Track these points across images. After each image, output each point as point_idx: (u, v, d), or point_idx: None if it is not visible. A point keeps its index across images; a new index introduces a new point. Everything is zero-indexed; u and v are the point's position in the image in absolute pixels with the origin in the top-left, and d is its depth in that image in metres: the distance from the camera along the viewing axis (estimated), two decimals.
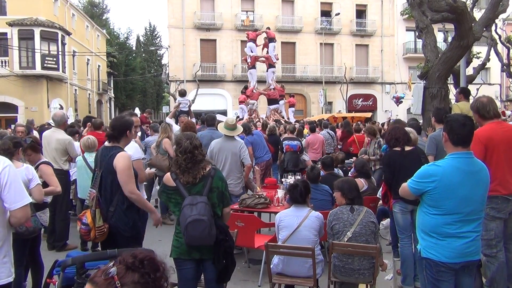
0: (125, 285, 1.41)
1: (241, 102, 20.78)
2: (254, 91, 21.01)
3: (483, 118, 4.36)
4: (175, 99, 27.49)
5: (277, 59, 22.38)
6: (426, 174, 3.19)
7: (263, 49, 21.94)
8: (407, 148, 5.05)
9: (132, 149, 4.98)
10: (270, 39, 21.67)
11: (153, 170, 7.02)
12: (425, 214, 3.24)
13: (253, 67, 21.53)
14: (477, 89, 26.82)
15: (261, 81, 23.66)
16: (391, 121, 13.65)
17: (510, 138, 4.20)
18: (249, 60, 21.32)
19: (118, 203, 4.05)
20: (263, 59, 21.87)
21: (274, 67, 22.08)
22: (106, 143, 4.33)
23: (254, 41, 21.37)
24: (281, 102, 21.45)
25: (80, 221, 4.04)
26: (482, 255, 4.08)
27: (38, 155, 4.94)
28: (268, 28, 23.13)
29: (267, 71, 22.09)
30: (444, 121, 3.38)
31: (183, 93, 14.59)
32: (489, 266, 4.30)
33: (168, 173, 3.71)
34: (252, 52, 21.29)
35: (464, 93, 7.76)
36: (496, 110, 4.35)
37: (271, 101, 21.47)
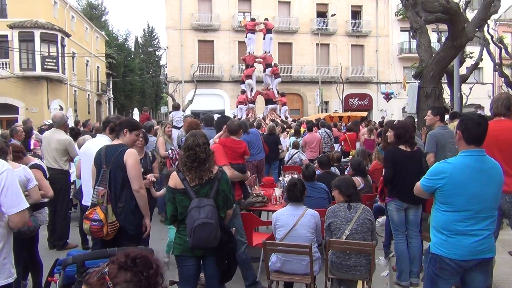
0: (117, 284, 1.41)
1: (240, 103, 21.09)
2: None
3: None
4: (173, 99, 27.67)
5: (271, 55, 22.69)
6: (437, 171, 3.20)
7: (264, 34, 22.25)
8: (414, 148, 5.00)
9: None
10: (268, 30, 22.05)
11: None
12: (437, 211, 3.24)
13: (249, 76, 21.90)
14: (470, 88, 27.26)
15: (259, 81, 23.97)
16: (384, 119, 13.93)
17: (494, 136, 4.05)
18: (248, 52, 21.64)
19: (127, 200, 4.11)
20: (260, 60, 22.22)
21: (272, 66, 22.42)
22: (112, 142, 4.44)
23: (253, 31, 21.71)
24: (278, 80, 21.84)
25: (89, 219, 4.02)
26: None
27: (21, 161, 4.65)
28: (266, 19, 23.50)
29: (264, 71, 22.44)
30: (459, 120, 3.35)
31: (176, 107, 14.09)
32: None
33: (175, 173, 3.73)
34: (250, 40, 21.64)
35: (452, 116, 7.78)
36: (498, 109, 4.32)
37: (269, 101, 21.81)
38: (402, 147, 4.97)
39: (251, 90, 21.69)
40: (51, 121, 16.28)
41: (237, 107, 21.77)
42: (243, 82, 21.73)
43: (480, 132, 3.13)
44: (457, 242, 3.09)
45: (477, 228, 3.08)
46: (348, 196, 4.36)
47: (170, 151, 7.92)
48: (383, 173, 5.12)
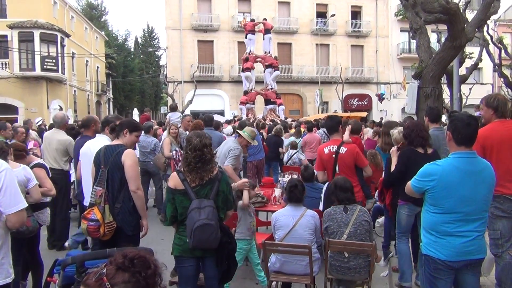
0: (115, 285, 1.41)
1: (242, 103, 21.17)
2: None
3: (496, 116, 4.25)
4: (173, 99, 27.72)
5: (271, 55, 22.76)
6: (426, 173, 3.19)
7: (263, 34, 22.39)
8: (429, 151, 4.83)
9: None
10: (266, 30, 22.15)
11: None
12: (427, 212, 3.24)
13: (249, 69, 21.94)
14: (470, 89, 27.25)
15: (258, 82, 24.02)
16: (383, 119, 13.92)
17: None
18: (248, 52, 21.70)
19: (125, 200, 4.10)
20: (261, 60, 22.28)
21: (272, 67, 22.48)
22: (112, 142, 4.44)
23: (252, 32, 21.80)
24: (277, 73, 22.20)
25: (86, 219, 4.01)
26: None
27: (24, 160, 4.69)
28: (265, 19, 23.57)
29: (264, 71, 22.51)
30: (449, 120, 3.33)
31: (173, 108, 13.92)
32: (496, 266, 4.25)
33: (175, 173, 3.72)
34: (250, 41, 21.75)
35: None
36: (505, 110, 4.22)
37: (268, 101, 21.86)
38: (418, 149, 4.80)
39: (251, 88, 21.78)
40: (41, 122, 16.24)
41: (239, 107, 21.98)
42: (243, 71, 21.84)
43: (470, 133, 3.11)
44: (446, 243, 3.11)
45: (466, 229, 3.08)
46: (338, 201, 4.34)
47: (174, 152, 7.94)
48: (392, 170, 4.95)
